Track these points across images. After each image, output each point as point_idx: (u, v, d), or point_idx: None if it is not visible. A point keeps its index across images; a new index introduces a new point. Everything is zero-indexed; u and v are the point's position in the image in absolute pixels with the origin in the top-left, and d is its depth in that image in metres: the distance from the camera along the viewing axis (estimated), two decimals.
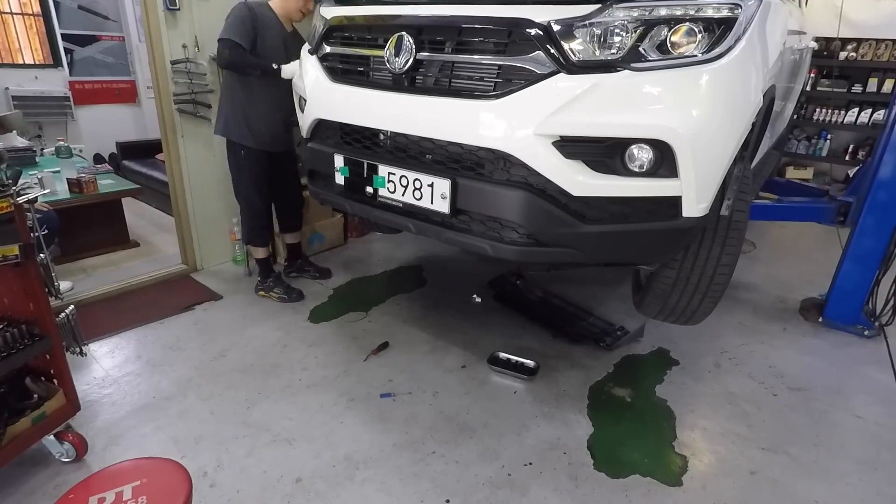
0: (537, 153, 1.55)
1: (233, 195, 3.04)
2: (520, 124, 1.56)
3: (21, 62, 5.36)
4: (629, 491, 1.78)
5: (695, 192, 1.55)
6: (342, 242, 3.93)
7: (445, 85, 1.73)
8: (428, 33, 1.74)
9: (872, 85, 5.12)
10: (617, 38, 1.50)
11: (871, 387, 2.38)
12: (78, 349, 1.99)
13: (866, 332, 2.76)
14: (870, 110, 5.20)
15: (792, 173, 5.66)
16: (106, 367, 2.41)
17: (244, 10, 2.63)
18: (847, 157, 5.42)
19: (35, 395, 1.80)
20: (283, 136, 2.90)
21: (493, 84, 1.63)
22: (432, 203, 1.77)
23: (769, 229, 4.36)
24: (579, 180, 1.55)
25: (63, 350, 1.87)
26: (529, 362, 2.41)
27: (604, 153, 1.55)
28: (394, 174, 1.85)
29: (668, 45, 1.50)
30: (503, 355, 2.46)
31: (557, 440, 2.00)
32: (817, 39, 4.41)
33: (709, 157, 1.54)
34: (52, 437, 1.81)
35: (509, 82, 1.59)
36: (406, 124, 1.82)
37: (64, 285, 2.86)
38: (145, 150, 5.23)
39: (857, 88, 5.20)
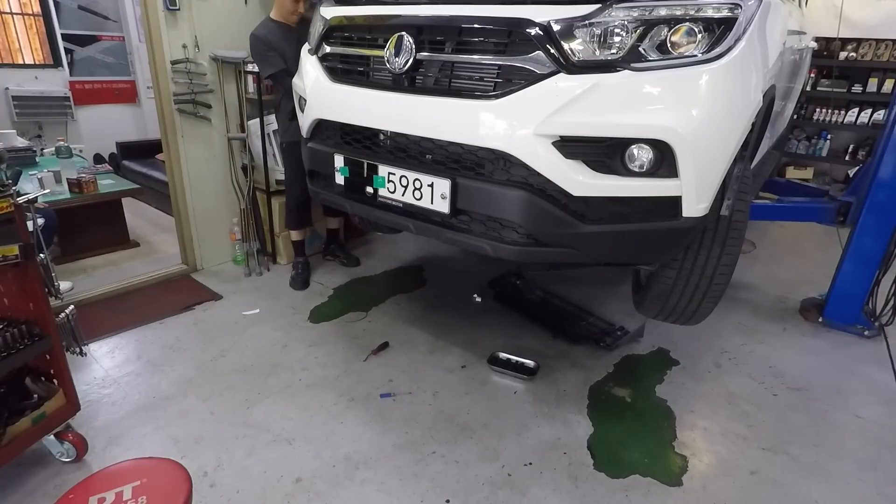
0: (537, 153, 1.55)
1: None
2: (520, 124, 1.56)
3: (21, 62, 5.35)
4: (629, 491, 1.78)
5: (695, 192, 1.55)
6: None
7: (445, 85, 1.73)
8: (428, 33, 1.74)
9: (872, 85, 5.12)
10: (617, 38, 1.50)
11: (871, 387, 2.38)
12: (78, 349, 1.99)
13: (866, 332, 2.76)
14: (870, 110, 5.19)
15: (792, 173, 5.66)
16: (106, 367, 2.41)
17: (258, 44, 2.78)
18: (847, 157, 5.42)
19: (35, 395, 1.80)
20: None
21: (493, 84, 1.62)
22: (432, 203, 1.77)
23: (769, 229, 4.36)
24: (579, 180, 1.55)
25: (63, 350, 1.87)
26: (529, 362, 2.41)
27: (604, 153, 1.55)
28: (394, 174, 1.85)
29: (668, 45, 1.50)
30: (503, 355, 2.46)
31: (557, 440, 2.00)
32: (817, 39, 4.40)
33: (709, 157, 1.54)
34: (52, 437, 1.81)
35: (509, 82, 1.59)
36: (406, 124, 1.82)
37: (64, 285, 2.86)
38: (145, 150, 5.23)
39: (857, 88, 5.20)
